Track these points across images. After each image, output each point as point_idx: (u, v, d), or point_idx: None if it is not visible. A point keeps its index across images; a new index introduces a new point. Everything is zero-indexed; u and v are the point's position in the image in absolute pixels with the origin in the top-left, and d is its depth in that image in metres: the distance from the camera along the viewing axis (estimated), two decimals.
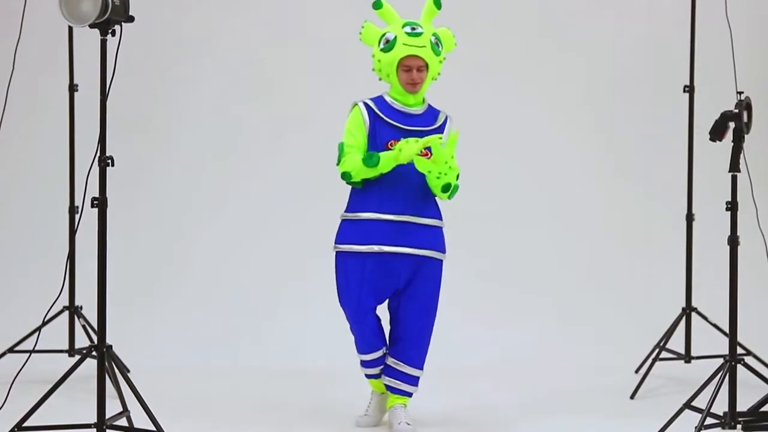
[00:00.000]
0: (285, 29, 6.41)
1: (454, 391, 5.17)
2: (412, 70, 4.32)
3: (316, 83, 6.30)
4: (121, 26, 3.95)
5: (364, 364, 4.50)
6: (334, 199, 4.76)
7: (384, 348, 4.47)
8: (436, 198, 4.41)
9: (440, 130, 4.40)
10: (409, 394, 4.49)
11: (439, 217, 4.42)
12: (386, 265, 4.35)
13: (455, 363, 5.62)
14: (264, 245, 6.27)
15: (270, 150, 6.35)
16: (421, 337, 4.44)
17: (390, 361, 4.45)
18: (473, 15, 6.30)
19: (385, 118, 4.36)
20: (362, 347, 4.46)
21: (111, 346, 4.12)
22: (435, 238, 4.40)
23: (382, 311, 4.47)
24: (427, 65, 4.31)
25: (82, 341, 5.25)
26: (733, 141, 4.22)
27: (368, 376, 4.55)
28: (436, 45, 4.31)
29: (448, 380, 5.31)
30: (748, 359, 4.66)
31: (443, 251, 4.44)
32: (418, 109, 4.40)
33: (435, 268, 4.42)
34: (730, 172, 4.21)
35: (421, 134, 4.34)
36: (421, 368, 4.47)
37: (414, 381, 4.46)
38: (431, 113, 4.43)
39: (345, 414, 4.69)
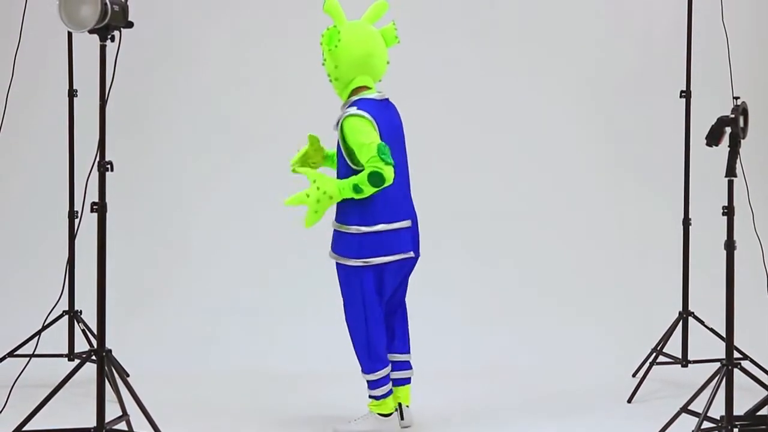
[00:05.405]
0: (284, 33, 6.42)
1: (452, 392, 5.18)
2: None
3: (313, 84, 6.30)
4: (120, 32, 3.97)
5: None
6: None
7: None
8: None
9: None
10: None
11: (345, 222, 4.45)
12: None
13: (452, 364, 5.63)
14: (262, 249, 6.28)
15: (268, 155, 6.35)
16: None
17: None
18: (470, 17, 6.32)
19: None
20: None
21: (110, 351, 4.13)
22: (336, 242, 4.51)
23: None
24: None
25: (81, 345, 5.25)
26: (729, 146, 4.22)
27: None
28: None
29: (445, 381, 5.32)
30: (745, 363, 4.66)
31: (339, 254, 4.46)
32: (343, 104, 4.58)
33: (338, 269, 4.51)
34: (726, 177, 4.22)
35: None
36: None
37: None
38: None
39: (343, 416, 4.70)
